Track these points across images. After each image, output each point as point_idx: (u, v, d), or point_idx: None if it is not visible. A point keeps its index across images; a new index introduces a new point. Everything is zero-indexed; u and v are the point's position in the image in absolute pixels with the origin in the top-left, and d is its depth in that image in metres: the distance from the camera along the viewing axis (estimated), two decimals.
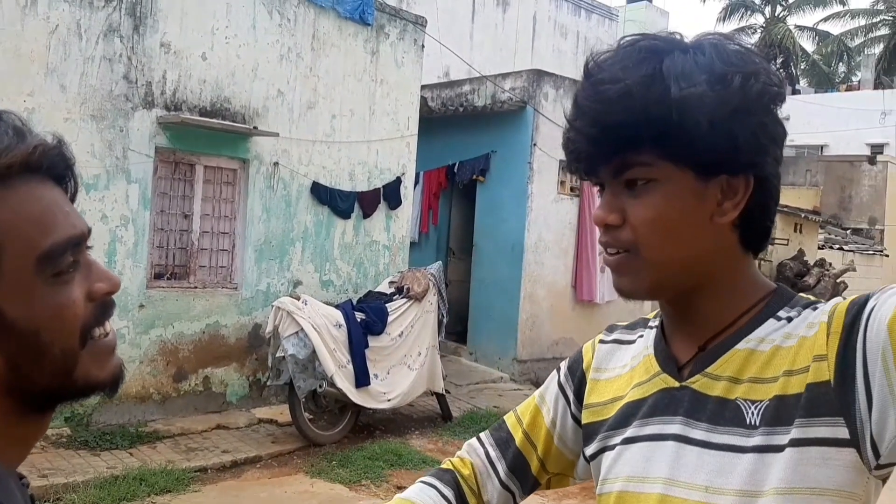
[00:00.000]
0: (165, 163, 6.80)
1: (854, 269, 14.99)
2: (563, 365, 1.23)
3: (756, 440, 0.88)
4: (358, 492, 5.75)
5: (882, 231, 17.83)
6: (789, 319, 0.94)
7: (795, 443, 0.86)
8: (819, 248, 15.50)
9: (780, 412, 0.88)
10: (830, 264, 14.51)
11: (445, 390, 7.69)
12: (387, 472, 6.14)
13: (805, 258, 14.30)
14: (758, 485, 0.87)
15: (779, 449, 0.86)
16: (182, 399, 6.89)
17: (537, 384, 9.95)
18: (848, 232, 17.86)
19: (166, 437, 6.38)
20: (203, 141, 6.88)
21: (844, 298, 0.91)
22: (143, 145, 6.49)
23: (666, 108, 0.88)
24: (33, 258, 0.68)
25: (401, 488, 6.01)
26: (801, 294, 0.98)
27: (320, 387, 6.39)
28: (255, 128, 7.11)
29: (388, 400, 6.85)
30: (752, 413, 0.90)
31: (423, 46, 8.72)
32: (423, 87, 9.12)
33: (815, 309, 0.94)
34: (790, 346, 0.91)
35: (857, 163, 18.66)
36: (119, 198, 6.41)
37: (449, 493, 1.20)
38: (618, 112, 0.90)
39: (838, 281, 14.15)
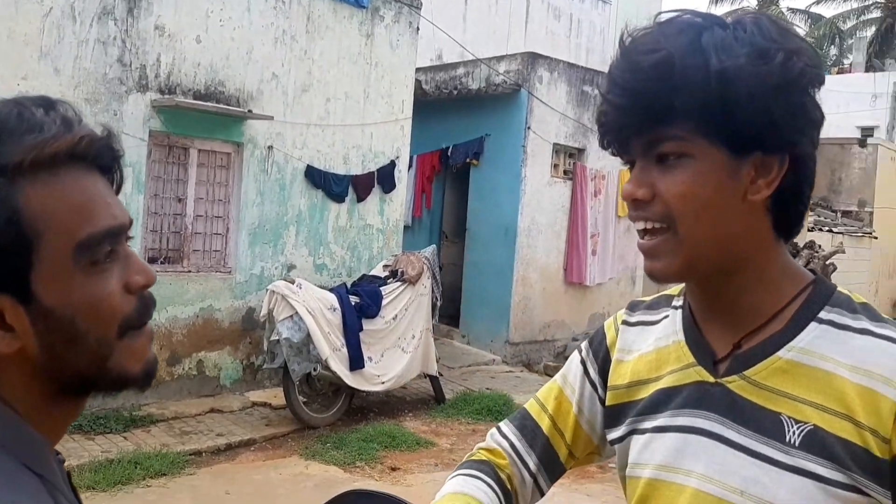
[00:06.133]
0: (159, 146, 6.78)
1: (843, 252, 15.07)
2: (584, 345, 1.20)
3: (796, 461, 0.90)
4: (352, 473, 5.82)
5: (871, 213, 17.93)
6: (832, 324, 0.93)
7: (842, 486, 0.88)
8: (809, 231, 15.58)
9: (822, 444, 0.89)
10: (820, 246, 14.58)
11: (439, 373, 7.76)
12: (381, 454, 6.20)
13: (795, 240, 14.39)
14: None
15: (822, 480, 0.88)
16: (176, 383, 6.93)
17: (529, 366, 10.04)
18: (838, 214, 17.96)
19: (160, 421, 6.41)
20: (197, 124, 6.86)
21: None
22: (137, 129, 6.47)
23: (704, 79, 0.86)
24: (71, 246, 0.69)
25: (395, 469, 6.08)
26: (839, 288, 0.97)
27: (315, 370, 6.42)
28: (249, 111, 7.09)
29: (382, 383, 6.90)
30: (794, 432, 0.90)
31: (417, 29, 8.68)
32: (417, 69, 9.09)
33: (861, 320, 0.93)
34: (842, 376, 0.90)
35: (847, 145, 18.72)
36: None
37: (494, 483, 1.14)
38: (653, 81, 0.88)
39: (827, 262, 14.23)
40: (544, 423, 1.18)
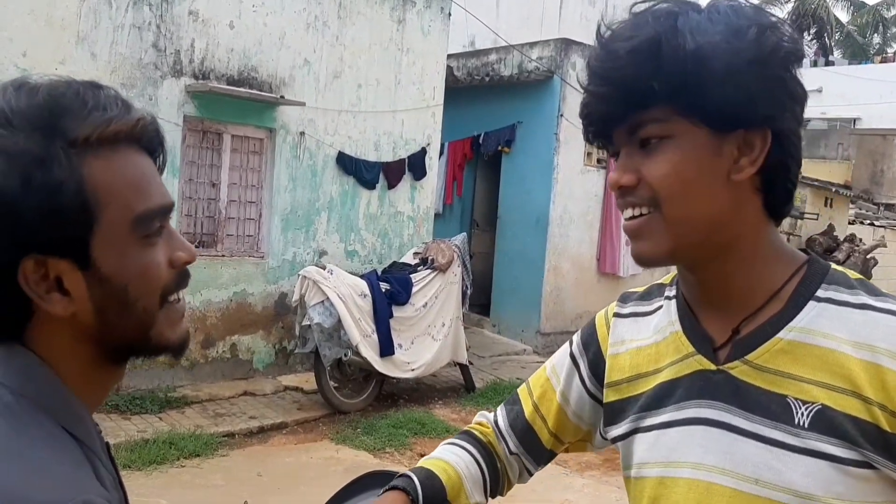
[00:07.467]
0: (193, 131, 6.85)
1: (885, 246, 14.76)
2: (576, 337, 1.20)
3: (807, 443, 0.88)
4: (382, 459, 5.84)
5: None
6: (830, 301, 0.92)
7: (855, 464, 0.87)
8: (850, 224, 15.26)
9: (832, 423, 0.88)
10: (861, 240, 14.29)
11: (469, 361, 7.75)
12: (410, 441, 6.22)
13: (835, 233, 14.10)
14: (814, 489, 0.88)
15: (835, 459, 0.87)
16: (210, 365, 7.02)
17: None
18: (879, 207, 17.56)
19: (194, 403, 6.51)
20: (230, 110, 6.92)
21: None
22: (171, 114, 6.53)
23: (680, 60, 0.87)
24: (129, 219, 0.75)
25: (424, 456, 6.13)
26: (834, 266, 0.96)
27: (345, 355, 6.46)
28: (281, 97, 7.13)
29: (412, 370, 6.92)
30: (802, 413, 0.89)
31: (449, 15, 8.65)
32: (448, 56, 9.05)
33: (860, 295, 0.92)
34: (845, 353, 0.89)
35: (890, 136, 18.27)
36: None
37: (473, 449, 1.20)
38: (631, 66, 0.89)
39: (868, 257, 13.95)
40: (527, 408, 1.21)
